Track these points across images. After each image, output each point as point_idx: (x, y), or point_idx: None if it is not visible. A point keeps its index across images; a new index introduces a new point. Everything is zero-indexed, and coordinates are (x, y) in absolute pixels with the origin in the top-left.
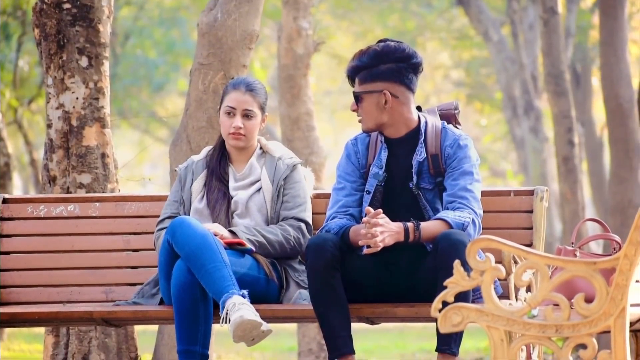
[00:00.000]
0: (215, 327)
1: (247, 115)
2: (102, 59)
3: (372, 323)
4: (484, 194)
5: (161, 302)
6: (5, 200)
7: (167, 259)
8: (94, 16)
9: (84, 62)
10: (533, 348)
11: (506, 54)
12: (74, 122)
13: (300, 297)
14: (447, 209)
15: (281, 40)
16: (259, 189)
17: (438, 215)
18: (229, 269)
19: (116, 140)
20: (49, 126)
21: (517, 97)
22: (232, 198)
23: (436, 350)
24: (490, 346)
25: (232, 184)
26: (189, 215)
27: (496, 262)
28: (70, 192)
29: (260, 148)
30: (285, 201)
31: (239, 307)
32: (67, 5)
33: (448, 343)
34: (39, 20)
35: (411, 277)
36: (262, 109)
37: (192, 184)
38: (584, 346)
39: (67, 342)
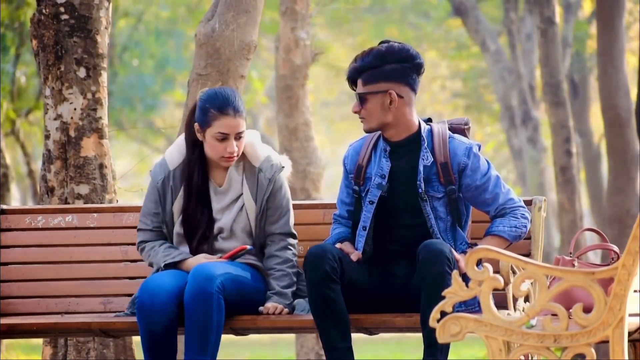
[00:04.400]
0: None
1: (239, 136)
2: (100, 70)
3: (371, 333)
4: None
5: None
6: (3, 211)
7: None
8: (92, 27)
9: (81, 72)
10: (531, 358)
11: (504, 64)
12: (72, 133)
13: (298, 307)
14: (496, 216)
15: (279, 51)
16: (242, 206)
17: (494, 231)
18: None
19: (114, 151)
20: (47, 137)
21: (515, 107)
22: (214, 221)
23: None
24: (488, 356)
25: (214, 204)
26: (171, 236)
27: (494, 272)
28: (69, 203)
29: None
30: (269, 215)
31: None
32: (65, 16)
33: (434, 354)
34: (36, 31)
35: (408, 288)
36: (245, 120)
37: (172, 205)
38: (582, 356)
39: (65, 353)
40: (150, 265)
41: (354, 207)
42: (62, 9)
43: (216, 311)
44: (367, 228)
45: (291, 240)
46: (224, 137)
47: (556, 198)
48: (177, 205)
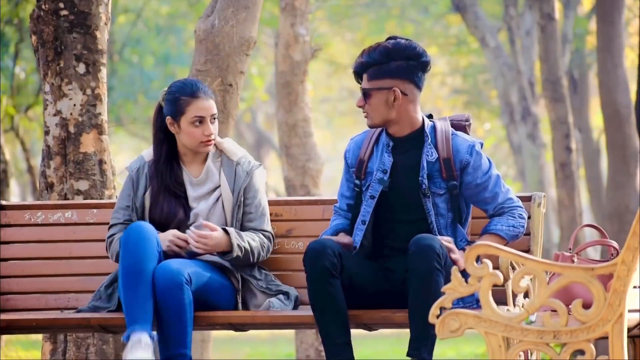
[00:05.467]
0: (214, 333)
1: (213, 119)
2: (100, 66)
3: (370, 329)
4: None
5: (118, 305)
6: (2, 207)
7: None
8: (92, 23)
9: (81, 68)
10: (531, 354)
11: (503, 60)
12: (72, 129)
13: (271, 306)
14: (494, 215)
15: (278, 47)
16: (219, 197)
17: (492, 229)
18: (152, 301)
19: (113, 147)
20: (47, 133)
21: (515, 103)
22: (191, 209)
23: (407, 355)
24: (488, 352)
25: (190, 192)
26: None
27: (494, 268)
28: (68, 199)
29: (214, 145)
30: (247, 212)
31: (140, 346)
32: (64, 12)
33: (418, 348)
34: (36, 27)
35: (406, 282)
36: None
37: (145, 192)
38: (581, 352)
39: (65, 349)
40: (116, 260)
41: (354, 201)
42: (61, 5)
43: (188, 303)
44: (367, 222)
45: (271, 237)
46: (200, 120)
47: (556, 194)
48: (149, 195)
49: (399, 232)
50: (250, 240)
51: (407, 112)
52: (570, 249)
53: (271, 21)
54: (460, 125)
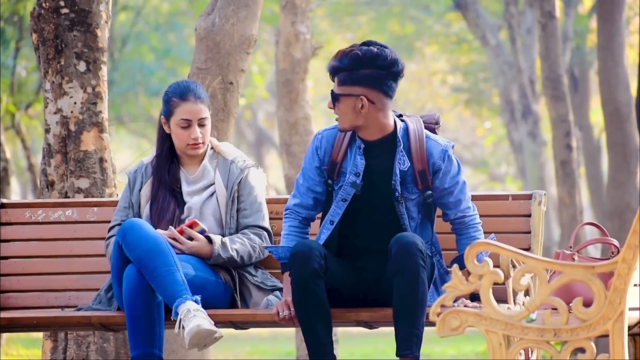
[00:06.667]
0: None
1: (202, 123)
2: (100, 64)
3: (370, 327)
4: (482, 198)
5: (118, 308)
6: (3, 205)
7: (118, 262)
8: (92, 21)
9: (81, 66)
10: (531, 352)
11: (504, 59)
12: (72, 127)
13: (269, 303)
14: (456, 222)
15: (279, 45)
16: (213, 193)
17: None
18: (181, 273)
19: (114, 145)
20: (47, 131)
21: (515, 101)
22: (185, 204)
23: (397, 355)
24: (488, 350)
25: (185, 188)
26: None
27: (494, 266)
28: (69, 197)
29: (212, 148)
30: (242, 209)
31: (194, 314)
32: (65, 10)
33: (409, 347)
34: (36, 25)
35: (379, 281)
36: (209, 109)
37: (141, 188)
38: (582, 350)
39: (65, 347)
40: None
41: (324, 197)
42: (62, 3)
43: (155, 302)
44: (335, 223)
45: (265, 234)
46: (187, 124)
47: (556, 192)
48: (146, 190)
49: (370, 232)
50: (238, 247)
51: (376, 119)
52: (570, 247)
53: (272, 19)
54: (430, 128)
